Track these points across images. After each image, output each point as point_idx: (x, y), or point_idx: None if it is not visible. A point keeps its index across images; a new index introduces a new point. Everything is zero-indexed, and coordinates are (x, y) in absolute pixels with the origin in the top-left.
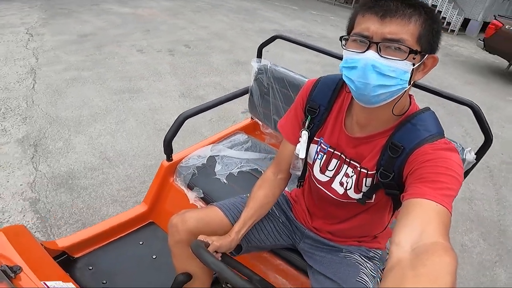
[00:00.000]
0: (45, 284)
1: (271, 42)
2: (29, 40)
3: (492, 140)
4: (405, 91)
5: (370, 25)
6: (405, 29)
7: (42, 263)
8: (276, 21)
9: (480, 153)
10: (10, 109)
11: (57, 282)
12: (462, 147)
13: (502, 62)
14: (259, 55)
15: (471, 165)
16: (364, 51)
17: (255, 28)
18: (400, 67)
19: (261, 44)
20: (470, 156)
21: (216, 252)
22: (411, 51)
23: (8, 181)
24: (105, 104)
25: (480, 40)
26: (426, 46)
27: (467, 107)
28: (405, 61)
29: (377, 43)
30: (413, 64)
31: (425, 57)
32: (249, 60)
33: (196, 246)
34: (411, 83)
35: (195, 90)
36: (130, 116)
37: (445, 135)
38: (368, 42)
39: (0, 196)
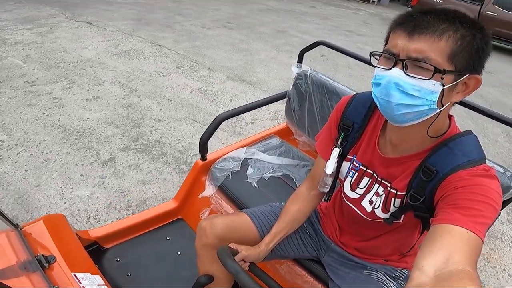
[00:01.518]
0: (75, 275)
1: (313, 48)
2: None
3: None
4: (440, 112)
5: (398, 42)
6: (433, 47)
7: (75, 254)
8: None
9: None
10: None
11: (86, 274)
12: (511, 173)
13: None
14: (300, 60)
15: None
16: (390, 68)
17: None
18: (426, 87)
19: (302, 50)
20: None
21: (244, 261)
22: (437, 71)
23: None
24: None
25: (409, 8)
26: (462, 65)
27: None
28: (431, 80)
29: (403, 61)
30: (442, 85)
31: (464, 77)
32: None
33: (222, 252)
34: (446, 104)
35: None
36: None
37: (486, 161)
38: (395, 59)
39: None
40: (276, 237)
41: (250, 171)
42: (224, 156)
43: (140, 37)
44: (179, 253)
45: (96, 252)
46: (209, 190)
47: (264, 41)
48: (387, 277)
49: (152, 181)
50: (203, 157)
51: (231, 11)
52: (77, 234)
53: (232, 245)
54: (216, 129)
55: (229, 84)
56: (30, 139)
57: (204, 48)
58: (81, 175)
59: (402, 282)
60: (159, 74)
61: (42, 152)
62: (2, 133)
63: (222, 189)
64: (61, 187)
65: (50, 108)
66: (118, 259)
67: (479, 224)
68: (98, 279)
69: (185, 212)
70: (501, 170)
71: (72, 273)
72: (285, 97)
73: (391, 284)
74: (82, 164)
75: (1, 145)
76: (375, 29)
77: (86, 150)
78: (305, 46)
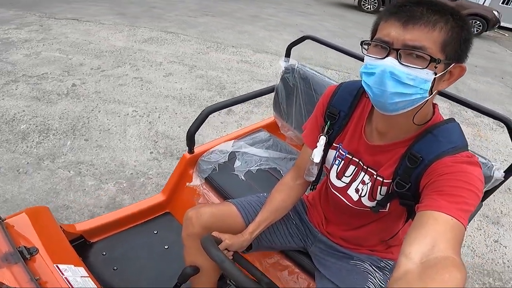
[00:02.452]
0: (57, 267)
1: (300, 43)
2: None
3: None
4: (427, 100)
5: (392, 31)
6: (428, 36)
7: (58, 246)
8: None
9: (509, 171)
10: None
11: (69, 266)
12: (492, 164)
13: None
14: (288, 54)
15: (498, 183)
16: (384, 57)
17: None
18: (420, 76)
19: (290, 44)
20: (499, 174)
21: (228, 250)
22: (432, 60)
23: None
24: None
25: None
26: (451, 55)
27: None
28: (426, 69)
29: (397, 50)
30: (435, 73)
31: (451, 66)
32: None
33: (206, 240)
34: (434, 92)
35: None
36: None
37: (468, 148)
38: (388, 48)
39: None
40: (260, 226)
41: (237, 163)
42: (212, 149)
43: (145, 27)
44: (166, 246)
45: (82, 246)
46: (196, 182)
47: (250, 24)
48: (373, 267)
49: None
50: (191, 150)
51: (197, 2)
52: (61, 227)
53: (215, 233)
54: (204, 121)
55: (259, 55)
56: (156, 107)
57: (211, 32)
58: (221, 123)
59: (388, 273)
60: (199, 53)
61: (176, 113)
62: (128, 106)
63: (209, 181)
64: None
65: (142, 85)
66: (104, 253)
67: (463, 211)
68: (82, 271)
69: (173, 205)
70: (483, 160)
71: (54, 265)
72: (273, 91)
73: (377, 274)
74: (214, 116)
75: (137, 113)
76: (318, 9)
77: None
78: (293, 41)
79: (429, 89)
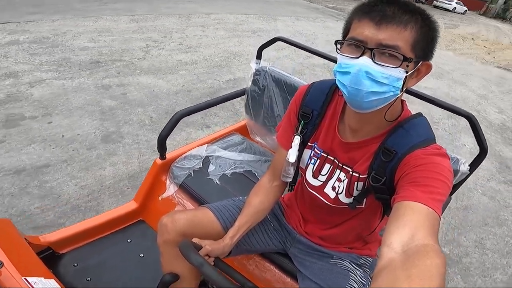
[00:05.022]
0: (26, 280)
1: (271, 44)
2: None
3: (486, 152)
4: (397, 97)
5: (366, 30)
6: (400, 36)
7: (25, 258)
8: None
9: (474, 165)
10: None
11: (38, 278)
12: (457, 158)
13: None
14: (259, 56)
15: (464, 176)
16: (358, 57)
17: None
18: (393, 74)
19: (261, 46)
20: (464, 168)
21: (209, 256)
22: (405, 59)
23: None
24: None
25: None
26: (420, 53)
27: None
28: (398, 68)
29: (371, 49)
30: (406, 72)
31: (420, 64)
32: None
33: (184, 245)
34: (404, 89)
35: None
36: None
37: (436, 141)
38: (363, 48)
39: None
40: (240, 230)
41: (211, 168)
42: (185, 155)
43: (175, 14)
44: (142, 255)
45: (51, 258)
46: (170, 189)
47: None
48: (353, 264)
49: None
50: (162, 156)
51: None
52: (26, 239)
53: (195, 240)
54: (175, 126)
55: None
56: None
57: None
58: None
59: (368, 270)
60: (241, 23)
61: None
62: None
63: (183, 187)
64: None
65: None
66: (76, 264)
67: (437, 201)
68: (53, 283)
69: (146, 213)
70: (450, 155)
71: (22, 277)
72: (244, 94)
73: (357, 272)
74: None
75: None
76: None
77: None
78: (263, 43)
79: (401, 86)
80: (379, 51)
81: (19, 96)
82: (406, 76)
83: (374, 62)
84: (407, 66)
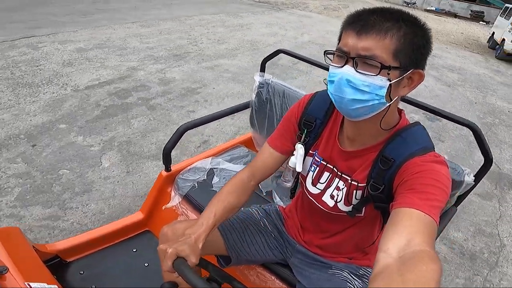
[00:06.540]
0: (28, 285)
1: (274, 57)
2: None
3: (491, 162)
4: (389, 105)
5: (349, 40)
6: (379, 45)
7: (30, 265)
8: None
9: (479, 175)
10: None
11: (41, 284)
12: (462, 169)
13: None
14: (262, 68)
15: (469, 187)
16: (342, 66)
17: None
18: (374, 82)
19: (264, 59)
20: (469, 179)
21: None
22: (383, 67)
23: None
24: None
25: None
26: (406, 61)
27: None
28: (378, 76)
29: (353, 58)
30: (389, 80)
31: (409, 72)
32: None
33: (178, 265)
34: (394, 98)
35: None
36: None
37: (434, 149)
38: (346, 57)
39: None
40: (216, 225)
41: (215, 180)
42: (189, 167)
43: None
44: (146, 264)
45: (58, 265)
46: (174, 200)
47: None
48: (352, 275)
49: None
50: (167, 168)
51: None
52: (34, 247)
53: (162, 247)
54: (179, 139)
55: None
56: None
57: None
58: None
59: (367, 280)
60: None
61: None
62: None
63: (187, 198)
64: None
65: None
66: (82, 272)
67: (434, 208)
68: None
69: (152, 223)
70: (454, 166)
71: (25, 283)
72: (249, 107)
73: (356, 283)
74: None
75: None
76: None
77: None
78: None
79: (385, 95)
80: (361, 60)
81: (168, 78)
82: (390, 85)
83: (356, 71)
84: (388, 74)
